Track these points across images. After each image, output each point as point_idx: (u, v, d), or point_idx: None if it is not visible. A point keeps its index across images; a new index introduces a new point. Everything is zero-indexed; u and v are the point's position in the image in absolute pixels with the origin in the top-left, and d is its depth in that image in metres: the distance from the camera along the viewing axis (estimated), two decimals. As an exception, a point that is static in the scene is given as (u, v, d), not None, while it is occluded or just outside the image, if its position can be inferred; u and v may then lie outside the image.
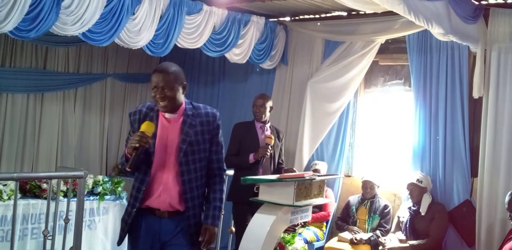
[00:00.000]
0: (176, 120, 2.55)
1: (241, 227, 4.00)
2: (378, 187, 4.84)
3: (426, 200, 4.45)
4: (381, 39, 5.04)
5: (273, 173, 4.20)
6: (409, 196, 4.56)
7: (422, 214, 4.41)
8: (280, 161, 4.40)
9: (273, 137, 4.21)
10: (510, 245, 3.35)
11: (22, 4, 3.30)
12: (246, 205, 3.93)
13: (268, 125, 4.34)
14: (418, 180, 4.51)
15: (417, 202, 4.49)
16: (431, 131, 4.74)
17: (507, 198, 3.42)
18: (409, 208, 4.55)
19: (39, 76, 5.65)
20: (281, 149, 4.44)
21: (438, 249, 4.44)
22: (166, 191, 2.51)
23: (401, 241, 4.48)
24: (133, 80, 6.64)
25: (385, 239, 4.51)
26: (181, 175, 2.50)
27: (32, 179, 4.05)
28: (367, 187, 4.82)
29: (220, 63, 6.27)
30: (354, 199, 4.96)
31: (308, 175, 3.39)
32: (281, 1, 4.72)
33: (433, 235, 4.37)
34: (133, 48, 4.27)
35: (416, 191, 4.49)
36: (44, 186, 4.11)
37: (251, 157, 4.08)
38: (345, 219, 4.96)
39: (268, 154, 4.07)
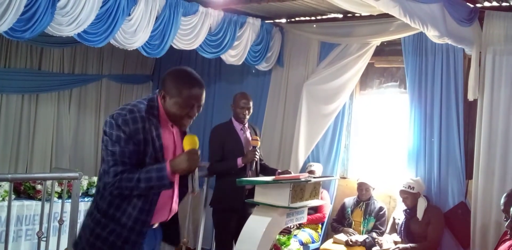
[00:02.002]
0: (177, 131, 2.27)
1: (222, 233, 3.98)
2: (373, 189, 4.85)
3: (422, 204, 4.44)
4: (376, 41, 5.06)
5: (260, 172, 4.13)
6: (403, 203, 4.55)
7: (420, 219, 4.41)
8: (260, 157, 4.17)
9: (259, 139, 4.10)
10: (505, 247, 3.36)
11: (17, 4, 3.29)
12: (229, 211, 3.90)
13: (246, 125, 4.18)
14: (409, 186, 4.47)
15: (412, 208, 4.49)
16: (426, 133, 4.75)
17: (503, 200, 3.43)
18: (405, 210, 4.55)
19: (34, 77, 5.62)
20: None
21: (433, 251, 4.45)
22: (168, 204, 2.26)
23: (395, 243, 4.48)
24: (128, 81, 6.62)
25: (381, 240, 4.51)
26: (179, 185, 2.27)
27: (26, 180, 4.03)
28: (363, 189, 4.82)
29: (216, 65, 6.27)
30: (349, 201, 4.97)
31: (304, 176, 3.39)
32: (277, 3, 4.73)
33: (430, 239, 4.38)
34: (129, 49, 4.26)
35: (409, 199, 4.48)
36: (39, 187, 4.09)
37: (240, 161, 3.91)
38: (340, 221, 4.96)
39: (257, 157, 3.98)
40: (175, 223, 2.36)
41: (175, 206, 2.29)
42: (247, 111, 4.07)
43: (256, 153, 3.96)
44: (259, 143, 4.04)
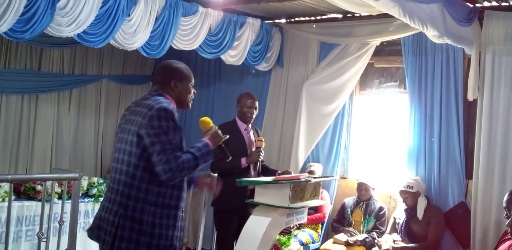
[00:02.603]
0: None
1: (223, 234, 3.97)
2: (373, 189, 4.85)
3: (421, 204, 4.45)
4: (376, 41, 5.06)
5: (261, 173, 4.13)
6: (404, 203, 4.56)
7: (420, 218, 4.41)
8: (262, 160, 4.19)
9: (263, 140, 4.10)
10: (505, 247, 3.36)
11: (16, 5, 3.29)
12: (230, 212, 3.90)
13: (250, 125, 4.19)
14: (408, 186, 4.49)
15: (412, 207, 4.49)
16: (426, 133, 4.75)
17: (506, 197, 3.43)
18: (406, 209, 4.56)
19: (34, 77, 5.62)
20: None
21: (434, 251, 4.45)
22: None
23: (395, 242, 4.48)
24: (128, 81, 6.62)
25: (380, 241, 4.52)
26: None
27: (26, 180, 4.03)
28: (362, 189, 4.82)
29: (216, 65, 6.27)
30: (349, 201, 4.97)
31: (304, 176, 3.39)
32: (276, 3, 4.73)
33: (430, 239, 4.38)
34: (129, 50, 4.26)
35: (409, 198, 4.49)
36: (39, 187, 4.09)
37: (244, 161, 3.91)
38: (340, 221, 4.96)
39: (261, 158, 4.00)
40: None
41: None
42: (254, 111, 4.09)
43: (261, 153, 3.97)
44: (263, 144, 4.06)
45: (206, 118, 2.62)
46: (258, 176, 4.06)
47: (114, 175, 2.44)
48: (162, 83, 2.53)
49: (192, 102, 2.62)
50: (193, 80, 2.60)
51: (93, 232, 2.46)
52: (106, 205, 2.43)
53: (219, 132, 2.54)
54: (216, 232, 4.11)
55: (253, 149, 4.05)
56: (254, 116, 4.13)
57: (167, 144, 2.28)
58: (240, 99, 4.12)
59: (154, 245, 2.32)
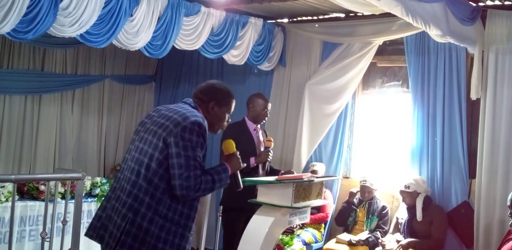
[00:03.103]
0: None
1: (230, 233, 3.97)
2: (375, 190, 4.85)
3: (419, 204, 4.44)
4: (379, 41, 5.05)
5: (268, 174, 4.14)
6: (403, 202, 4.57)
7: (419, 219, 4.41)
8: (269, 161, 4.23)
9: (272, 140, 4.14)
10: (508, 246, 3.35)
11: (19, 5, 3.29)
12: (238, 211, 3.90)
13: (259, 125, 4.22)
14: (405, 186, 4.50)
15: (412, 207, 4.49)
16: (429, 133, 4.74)
17: (510, 196, 3.44)
18: (407, 208, 4.55)
19: (37, 77, 5.64)
20: None
21: (438, 250, 4.44)
22: None
23: (398, 242, 4.48)
24: (131, 81, 6.63)
25: (384, 241, 4.51)
26: None
27: (30, 180, 4.04)
28: (365, 191, 4.82)
29: (218, 65, 6.27)
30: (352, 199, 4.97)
31: (307, 176, 3.39)
32: (279, 2, 4.73)
33: (434, 238, 4.38)
34: (131, 50, 4.27)
35: (407, 198, 4.50)
36: (42, 187, 4.11)
37: (252, 161, 3.93)
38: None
39: (270, 158, 4.03)
40: None
41: None
42: (268, 113, 4.16)
43: (269, 154, 3.98)
44: (272, 144, 4.09)
45: (231, 142, 2.56)
46: (267, 176, 4.07)
47: (129, 174, 2.31)
48: (201, 100, 2.47)
49: (221, 130, 2.57)
50: (231, 110, 2.54)
51: (96, 232, 2.35)
52: (116, 205, 2.29)
53: (240, 159, 2.49)
54: (223, 231, 4.12)
55: (262, 149, 4.07)
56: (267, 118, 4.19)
57: (192, 160, 2.21)
58: (256, 102, 4.14)
59: None
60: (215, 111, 2.46)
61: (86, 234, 2.42)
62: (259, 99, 4.14)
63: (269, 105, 4.19)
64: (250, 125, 4.14)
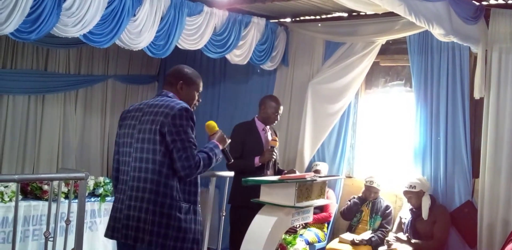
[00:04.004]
0: None
1: (237, 231, 3.97)
2: (380, 190, 4.84)
3: (425, 203, 4.43)
4: (381, 40, 5.04)
5: (275, 175, 4.17)
6: (409, 203, 4.55)
7: (425, 218, 4.39)
8: (276, 161, 4.30)
9: (277, 139, 4.15)
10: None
11: (23, 6, 3.30)
12: (246, 209, 3.90)
13: (268, 126, 4.26)
14: (410, 186, 4.48)
15: (417, 207, 4.48)
16: (432, 132, 4.73)
17: None
18: (411, 209, 4.54)
19: (40, 78, 5.65)
20: None
21: (441, 250, 4.44)
22: None
23: (402, 241, 4.47)
24: (134, 81, 6.64)
25: (390, 241, 4.48)
26: None
27: (33, 180, 4.05)
28: (371, 192, 4.81)
29: (221, 65, 6.27)
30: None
31: (310, 176, 3.39)
32: (281, 2, 4.72)
33: (436, 238, 4.36)
34: (134, 50, 4.27)
35: (413, 198, 4.48)
36: (45, 187, 4.11)
37: (257, 160, 3.96)
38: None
39: (274, 157, 4.03)
40: None
41: None
42: (278, 116, 4.19)
43: (274, 153, 4.00)
44: (277, 143, 4.09)
45: (212, 123, 2.79)
46: (275, 175, 4.09)
47: (135, 173, 2.52)
48: (170, 83, 2.69)
49: (195, 108, 2.76)
50: (200, 89, 2.75)
51: (120, 233, 2.52)
52: (133, 204, 2.49)
53: (224, 135, 2.74)
54: (230, 229, 4.13)
55: (268, 148, 4.08)
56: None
57: (186, 142, 2.45)
58: (267, 103, 4.16)
59: (180, 238, 2.47)
60: (184, 90, 2.68)
61: (106, 235, 2.63)
62: (271, 102, 4.17)
63: (281, 109, 4.21)
64: (259, 125, 4.18)
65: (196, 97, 2.75)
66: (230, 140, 2.77)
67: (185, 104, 2.54)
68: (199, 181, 2.61)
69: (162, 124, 2.46)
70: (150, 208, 2.44)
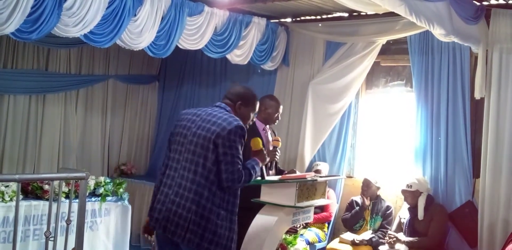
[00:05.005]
0: None
1: (240, 231, 3.97)
2: (378, 188, 4.83)
3: (421, 203, 4.43)
4: (382, 40, 5.04)
5: (275, 175, 4.16)
6: (405, 201, 4.56)
7: (420, 218, 4.39)
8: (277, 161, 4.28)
9: (280, 139, 4.16)
10: (512, 246, 3.34)
11: (23, 5, 3.31)
12: (248, 210, 3.90)
13: (268, 126, 4.25)
14: (407, 185, 4.49)
15: (414, 206, 4.48)
16: (433, 132, 4.74)
17: None
18: (409, 208, 4.54)
19: (41, 77, 5.65)
20: None
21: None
22: None
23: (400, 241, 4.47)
24: (134, 81, 6.64)
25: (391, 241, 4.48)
26: None
27: (34, 180, 4.05)
28: (364, 185, 4.80)
29: (222, 65, 6.27)
30: (357, 199, 4.96)
31: (310, 176, 3.39)
32: (282, 2, 4.72)
33: (431, 235, 4.35)
34: (135, 50, 4.28)
35: (409, 197, 4.49)
36: (46, 187, 4.11)
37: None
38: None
39: (277, 157, 4.04)
40: None
41: None
42: (279, 116, 4.21)
43: (277, 153, 3.99)
44: (280, 143, 4.07)
45: (258, 139, 3.09)
46: (276, 175, 4.08)
47: (186, 173, 2.72)
48: (230, 100, 2.93)
49: (247, 126, 2.95)
50: (256, 110, 3.00)
51: (159, 223, 2.74)
52: (177, 200, 2.70)
53: (265, 154, 3.03)
54: None
55: (270, 149, 4.07)
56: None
57: (236, 157, 2.69)
58: (267, 103, 4.15)
59: (214, 242, 2.66)
60: (242, 110, 2.91)
61: (151, 225, 2.84)
62: (271, 101, 4.17)
63: (281, 108, 4.21)
64: (259, 125, 4.16)
65: (251, 118, 2.98)
66: (268, 159, 3.07)
67: (241, 123, 2.75)
68: (238, 193, 2.81)
69: (217, 135, 2.68)
70: (193, 208, 2.64)
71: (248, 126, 2.96)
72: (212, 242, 2.65)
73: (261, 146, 2.98)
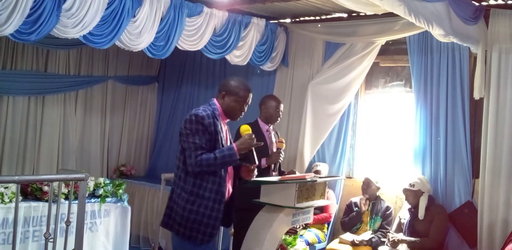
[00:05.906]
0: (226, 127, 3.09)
1: (242, 233, 3.97)
2: (378, 188, 4.83)
3: (422, 203, 4.43)
4: (381, 41, 5.05)
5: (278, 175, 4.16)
6: (406, 201, 4.56)
7: (421, 218, 4.40)
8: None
9: (284, 141, 4.16)
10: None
11: (23, 7, 3.31)
12: (250, 211, 3.89)
13: (271, 127, 4.28)
14: (410, 184, 4.50)
15: (415, 206, 4.48)
16: (432, 132, 4.74)
17: None
18: (409, 209, 4.54)
19: (40, 79, 5.66)
20: None
21: (440, 250, 4.43)
22: (227, 185, 3.00)
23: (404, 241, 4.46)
24: (134, 82, 6.64)
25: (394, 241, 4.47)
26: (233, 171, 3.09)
27: (33, 181, 4.04)
28: (364, 184, 4.80)
29: (221, 65, 6.28)
30: (356, 200, 4.96)
31: (310, 176, 3.39)
32: (281, 3, 4.73)
33: (431, 236, 4.36)
34: (134, 51, 4.28)
35: (410, 196, 4.49)
36: (46, 188, 4.10)
37: (264, 162, 3.95)
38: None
39: (281, 159, 4.04)
40: (229, 206, 3.05)
41: (230, 187, 3.05)
42: (280, 114, 4.24)
43: (281, 155, 4.00)
44: (284, 145, 4.12)
45: (243, 127, 3.08)
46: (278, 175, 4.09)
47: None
48: (218, 91, 3.03)
49: (241, 116, 3.04)
50: (242, 98, 2.98)
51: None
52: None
53: (250, 140, 2.92)
54: (234, 231, 4.12)
55: (274, 150, 4.08)
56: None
57: (192, 143, 2.81)
58: (267, 102, 4.22)
59: (183, 225, 2.85)
60: (225, 100, 2.98)
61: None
62: (271, 101, 4.23)
63: (281, 106, 4.25)
64: (263, 126, 4.19)
65: (239, 108, 2.99)
66: (261, 143, 2.99)
67: (199, 111, 2.86)
68: (219, 180, 2.89)
69: (181, 127, 2.91)
70: (170, 196, 2.95)
71: (238, 118, 3.03)
72: (181, 224, 2.85)
73: (245, 132, 2.98)
